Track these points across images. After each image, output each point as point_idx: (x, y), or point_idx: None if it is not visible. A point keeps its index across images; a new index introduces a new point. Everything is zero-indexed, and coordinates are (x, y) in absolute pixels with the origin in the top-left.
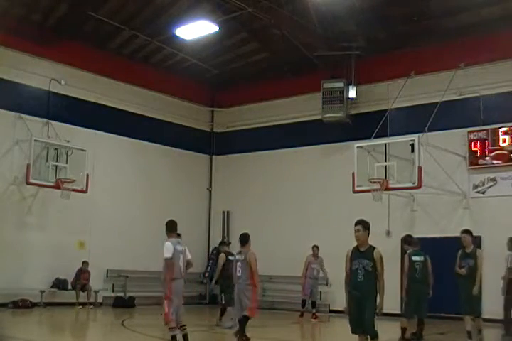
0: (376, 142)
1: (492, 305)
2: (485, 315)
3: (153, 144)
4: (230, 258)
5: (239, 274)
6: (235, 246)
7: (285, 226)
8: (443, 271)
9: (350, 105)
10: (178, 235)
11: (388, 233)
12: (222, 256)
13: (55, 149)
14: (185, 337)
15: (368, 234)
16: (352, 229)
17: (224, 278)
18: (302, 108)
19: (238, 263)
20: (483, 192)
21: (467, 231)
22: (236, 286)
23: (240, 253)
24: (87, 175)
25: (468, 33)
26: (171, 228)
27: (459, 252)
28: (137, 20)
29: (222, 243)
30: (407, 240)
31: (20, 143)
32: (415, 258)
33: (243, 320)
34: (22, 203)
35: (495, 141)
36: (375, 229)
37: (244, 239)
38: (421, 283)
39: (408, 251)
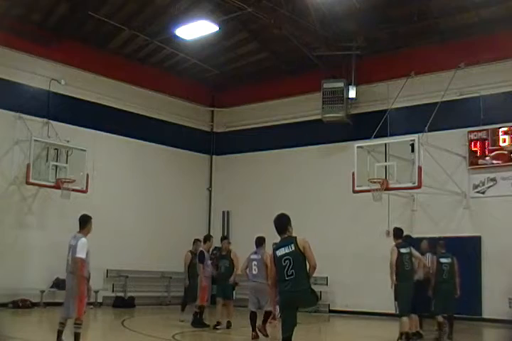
0: (376, 142)
1: (492, 305)
2: (485, 315)
3: (153, 144)
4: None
5: (255, 272)
6: (234, 247)
7: None
8: None
9: (350, 105)
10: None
11: (388, 233)
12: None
13: (55, 149)
14: (75, 335)
15: None
16: (352, 229)
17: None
18: (302, 108)
19: (254, 262)
20: (483, 192)
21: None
22: (251, 284)
23: (255, 253)
24: (87, 175)
25: (468, 33)
26: (79, 223)
27: None
28: (137, 20)
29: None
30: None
31: (20, 143)
32: (443, 260)
33: (267, 315)
34: (22, 203)
35: (495, 141)
36: (375, 229)
37: (260, 241)
38: (448, 283)
39: (430, 254)
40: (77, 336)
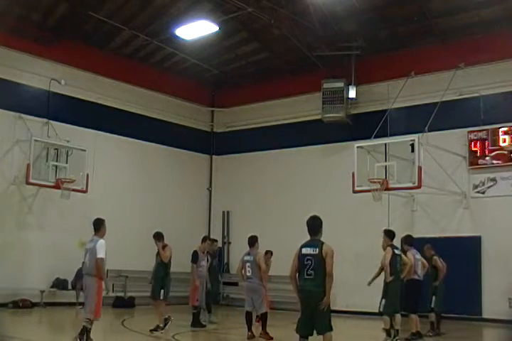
0: (376, 142)
1: (492, 305)
2: (485, 315)
3: (153, 144)
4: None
5: (249, 274)
6: (235, 246)
7: (285, 226)
8: None
9: (350, 105)
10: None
11: None
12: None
13: (55, 149)
14: (83, 328)
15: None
16: (352, 229)
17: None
18: (302, 108)
19: (247, 264)
20: (483, 192)
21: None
22: (246, 285)
23: (248, 254)
24: (87, 175)
25: (468, 33)
26: (93, 226)
27: None
28: (137, 20)
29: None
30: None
31: (20, 143)
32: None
33: (264, 318)
34: (22, 203)
35: (495, 141)
36: (375, 229)
37: (252, 241)
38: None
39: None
40: (83, 329)
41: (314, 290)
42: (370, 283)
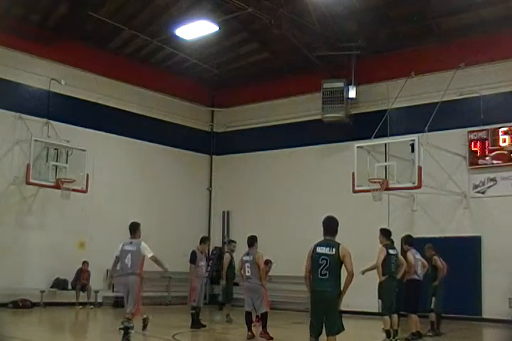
0: (376, 142)
1: (492, 305)
2: (485, 315)
3: (153, 144)
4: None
5: (248, 274)
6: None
7: (285, 226)
8: None
9: (350, 105)
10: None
11: None
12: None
13: (55, 149)
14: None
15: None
16: (352, 229)
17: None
18: (302, 108)
19: (247, 264)
20: (483, 192)
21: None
22: (245, 285)
23: (247, 254)
24: (87, 175)
25: (468, 33)
26: (129, 230)
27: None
28: (137, 20)
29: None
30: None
31: (20, 143)
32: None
33: (264, 318)
34: (22, 203)
35: (495, 141)
36: (375, 229)
37: (251, 241)
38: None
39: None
40: (126, 331)
41: (328, 291)
42: (363, 273)
